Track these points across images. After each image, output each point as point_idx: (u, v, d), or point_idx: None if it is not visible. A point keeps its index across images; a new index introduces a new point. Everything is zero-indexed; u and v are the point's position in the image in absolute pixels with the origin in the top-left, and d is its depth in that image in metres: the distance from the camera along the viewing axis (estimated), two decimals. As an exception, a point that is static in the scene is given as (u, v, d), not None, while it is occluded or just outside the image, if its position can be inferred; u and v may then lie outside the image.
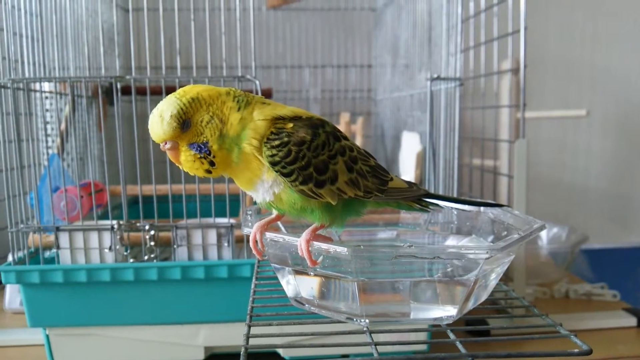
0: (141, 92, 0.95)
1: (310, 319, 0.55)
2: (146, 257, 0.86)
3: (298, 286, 0.56)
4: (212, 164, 0.51)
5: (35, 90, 0.96)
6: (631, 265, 1.68)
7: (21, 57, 0.87)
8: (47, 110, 1.06)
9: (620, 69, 1.68)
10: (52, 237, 0.85)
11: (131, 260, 0.86)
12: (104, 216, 1.02)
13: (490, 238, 0.63)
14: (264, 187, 0.52)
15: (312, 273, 0.54)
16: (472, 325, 0.91)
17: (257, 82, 0.84)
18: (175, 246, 0.86)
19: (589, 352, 0.44)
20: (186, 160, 0.51)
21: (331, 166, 0.52)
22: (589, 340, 0.48)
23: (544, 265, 1.20)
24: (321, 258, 0.52)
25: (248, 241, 0.58)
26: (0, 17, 0.85)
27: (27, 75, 0.88)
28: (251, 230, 0.57)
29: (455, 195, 0.96)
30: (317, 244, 0.51)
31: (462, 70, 0.97)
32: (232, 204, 0.88)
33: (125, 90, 0.93)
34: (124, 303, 0.84)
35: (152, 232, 0.86)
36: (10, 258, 0.85)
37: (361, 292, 0.51)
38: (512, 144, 1.03)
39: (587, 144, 1.70)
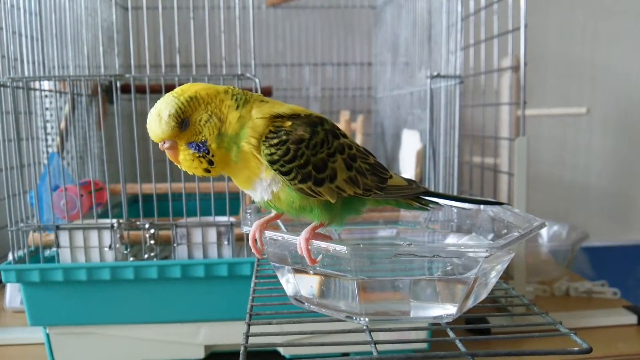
0: (141, 90, 0.95)
1: (309, 317, 0.55)
2: (146, 256, 0.86)
3: (298, 285, 0.56)
4: (210, 162, 0.51)
5: (34, 89, 0.96)
6: (631, 262, 1.68)
7: (20, 56, 0.87)
8: (46, 109, 1.06)
9: (621, 66, 1.68)
10: (52, 236, 0.85)
11: (131, 258, 0.86)
12: (104, 215, 1.02)
13: (490, 236, 0.63)
14: (262, 185, 0.52)
15: (311, 272, 0.54)
16: (472, 323, 0.91)
17: (257, 81, 0.84)
18: (175, 245, 0.86)
19: (588, 351, 0.44)
20: (185, 160, 0.51)
21: (330, 164, 0.51)
22: (589, 338, 0.48)
23: (545, 263, 1.20)
24: (320, 257, 0.52)
25: (248, 240, 0.58)
26: (-1, 16, 0.85)
27: (26, 74, 0.88)
28: (250, 228, 0.57)
29: (455, 193, 0.96)
30: (317, 243, 0.51)
31: (462, 67, 0.97)
32: (232, 202, 0.88)
33: (125, 89, 0.93)
34: (124, 302, 0.84)
35: (152, 231, 0.86)
36: (10, 257, 0.85)
37: (361, 291, 0.51)
38: (513, 141, 1.03)
39: (587, 141, 1.70)
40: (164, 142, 0.51)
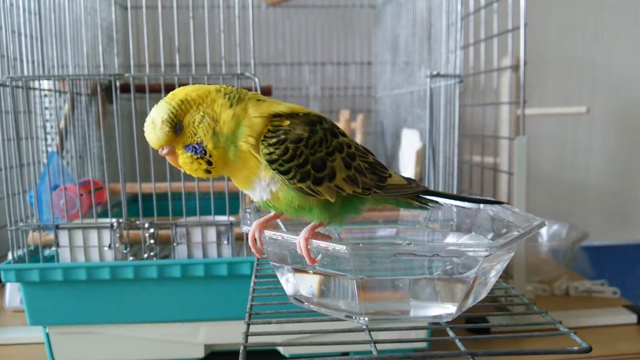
0: (140, 89, 0.95)
1: (309, 316, 0.55)
2: (146, 255, 0.86)
3: (297, 284, 0.56)
4: (209, 163, 0.51)
5: (34, 89, 0.96)
6: (631, 262, 1.68)
7: (20, 55, 0.87)
8: (46, 108, 1.06)
9: (621, 66, 1.68)
10: (51, 235, 0.85)
11: (131, 258, 0.86)
12: (104, 214, 1.02)
13: (490, 235, 0.63)
14: (261, 185, 0.52)
15: (311, 271, 0.54)
16: (471, 322, 0.91)
17: (257, 80, 0.84)
18: (174, 244, 0.86)
19: (588, 350, 0.44)
20: (184, 163, 0.51)
21: (329, 163, 0.51)
22: (589, 338, 0.48)
23: (544, 263, 1.20)
24: (320, 256, 0.52)
25: (247, 239, 0.58)
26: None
27: (26, 73, 0.87)
28: (250, 228, 0.57)
29: (454, 193, 0.95)
30: (316, 242, 0.51)
31: (462, 67, 0.97)
32: (231, 201, 0.88)
33: (125, 88, 0.93)
34: (124, 301, 0.84)
35: (152, 230, 0.86)
36: (10, 256, 0.85)
37: (360, 290, 0.51)
38: (512, 141, 1.03)
39: (587, 141, 1.70)
40: (163, 148, 0.51)
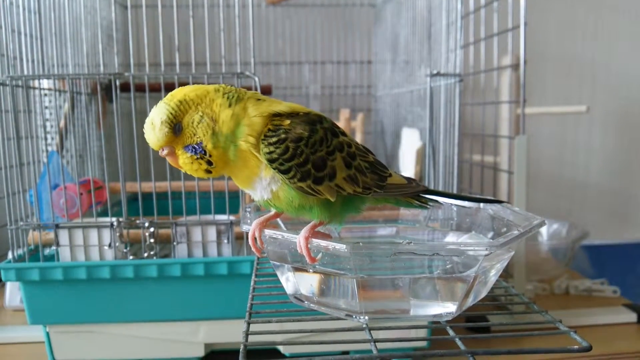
0: (140, 89, 0.95)
1: (309, 315, 0.55)
2: (146, 254, 0.86)
3: (297, 283, 0.56)
4: (209, 163, 0.51)
5: (34, 88, 0.96)
6: (631, 261, 1.68)
7: (20, 55, 0.87)
8: (46, 107, 1.06)
9: (621, 65, 1.68)
10: (51, 235, 0.85)
11: (131, 257, 0.86)
12: (104, 213, 1.02)
13: (490, 234, 0.63)
14: (261, 184, 0.52)
15: (311, 270, 0.54)
16: (472, 321, 0.91)
17: (257, 79, 0.84)
18: (174, 243, 0.86)
19: (588, 349, 0.44)
20: (184, 163, 0.51)
21: (329, 162, 0.51)
22: (589, 337, 0.48)
23: (544, 262, 1.20)
24: (320, 255, 0.52)
25: (247, 238, 0.58)
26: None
27: (25, 72, 0.87)
28: (250, 227, 0.57)
29: (455, 192, 0.95)
30: (316, 241, 0.51)
31: (462, 66, 0.97)
32: (231, 200, 0.88)
33: (124, 87, 0.93)
34: (124, 300, 0.84)
35: (152, 229, 0.86)
36: (10, 255, 0.85)
37: (360, 289, 0.51)
38: (512, 140, 1.03)
39: (587, 140, 1.70)
40: (163, 149, 0.51)
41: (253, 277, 0.65)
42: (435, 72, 0.95)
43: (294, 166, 0.50)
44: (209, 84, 0.61)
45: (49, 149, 0.95)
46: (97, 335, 0.85)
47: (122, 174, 0.85)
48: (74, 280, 0.82)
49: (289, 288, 0.58)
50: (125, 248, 0.87)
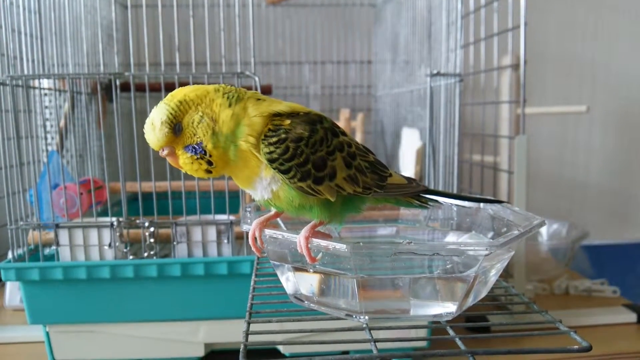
0: (140, 88, 0.95)
1: (309, 315, 0.55)
2: (146, 254, 0.86)
3: (297, 283, 0.56)
4: (210, 163, 0.51)
5: (34, 87, 0.96)
6: (631, 261, 1.68)
7: (20, 54, 0.87)
8: (46, 107, 1.06)
9: (621, 64, 1.68)
10: (51, 234, 0.85)
11: (131, 257, 0.86)
12: (104, 213, 1.02)
13: (490, 234, 0.63)
14: (262, 184, 0.52)
15: (311, 270, 0.54)
16: (472, 321, 0.91)
17: (257, 79, 0.84)
18: (174, 243, 0.86)
19: (588, 349, 0.44)
20: (185, 163, 0.51)
21: (329, 162, 0.51)
22: (589, 337, 0.48)
23: (544, 262, 1.20)
24: (320, 255, 0.52)
25: (247, 238, 0.58)
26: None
27: (26, 72, 0.87)
28: (250, 227, 0.57)
29: (455, 192, 0.95)
30: (317, 241, 0.51)
31: (462, 66, 0.97)
32: (231, 200, 0.88)
33: (125, 87, 0.93)
34: (124, 300, 0.84)
35: (152, 229, 0.86)
36: (10, 255, 0.85)
37: (361, 289, 0.51)
38: (512, 140, 1.03)
39: (587, 140, 1.70)
40: (163, 150, 0.51)
41: (253, 276, 0.65)
42: (435, 72, 0.95)
43: (294, 166, 0.50)
44: (209, 83, 0.61)
45: (49, 148, 0.95)
46: (97, 335, 0.85)
47: (122, 173, 0.85)
48: (74, 280, 0.82)
49: (289, 288, 0.58)
50: (125, 248, 0.87)
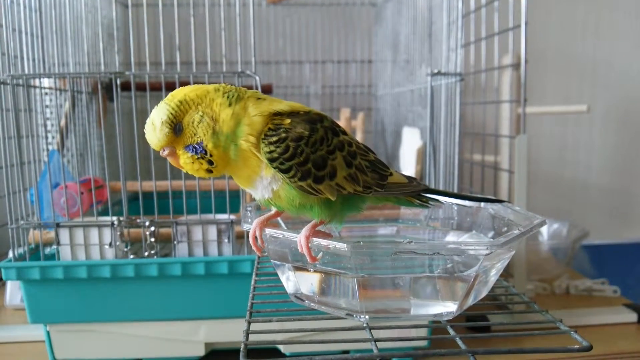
0: (141, 88, 0.95)
1: (310, 315, 0.55)
2: (146, 253, 0.86)
3: (298, 282, 0.56)
4: (210, 163, 0.51)
5: (34, 87, 0.96)
6: (632, 261, 1.68)
7: (20, 53, 0.87)
8: (46, 106, 1.06)
9: (622, 64, 1.68)
10: (52, 234, 0.85)
11: (131, 256, 0.86)
12: (104, 212, 1.02)
13: (491, 234, 0.63)
14: (262, 184, 0.52)
15: (312, 269, 0.54)
16: (472, 321, 0.91)
17: (257, 78, 0.84)
18: (175, 242, 0.86)
19: (589, 348, 0.44)
20: (185, 163, 0.51)
21: (330, 161, 0.51)
22: (589, 336, 0.48)
23: (545, 261, 1.20)
24: (321, 254, 0.52)
25: (248, 237, 0.58)
26: (-1, 13, 0.85)
27: (26, 71, 0.87)
28: (251, 226, 0.57)
29: (455, 191, 0.95)
30: (317, 240, 0.51)
31: (462, 65, 0.97)
32: (232, 200, 0.88)
33: (125, 86, 0.93)
34: (125, 299, 0.84)
35: (153, 228, 0.86)
36: (10, 254, 0.85)
37: (361, 288, 0.51)
38: (513, 139, 1.03)
39: (588, 139, 1.70)
40: (164, 150, 0.51)
41: (254, 276, 0.65)
42: (435, 71, 0.95)
43: (295, 165, 0.50)
44: (209, 83, 0.61)
45: (50, 147, 0.95)
46: (98, 334, 0.85)
47: (123, 173, 0.85)
48: (74, 279, 0.82)
49: (289, 287, 0.58)
50: (126, 247, 0.87)
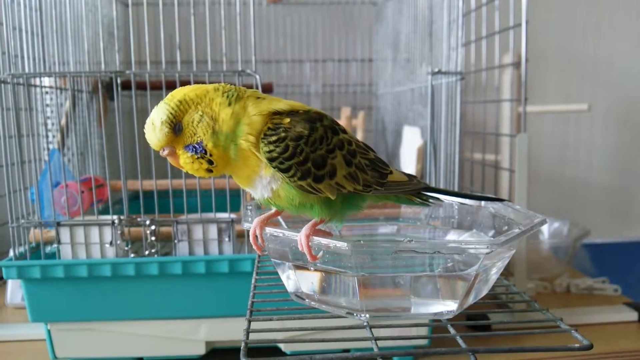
0: (141, 87, 0.95)
1: (310, 313, 0.55)
2: (147, 252, 0.86)
3: (298, 281, 0.56)
4: (210, 162, 0.51)
5: (35, 86, 0.96)
6: (633, 259, 1.68)
7: (21, 52, 0.87)
8: (47, 105, 1.06)
9: (622, 63, 1.68)
10: (53, 232, 0.85)
11: (132, 255, 0.86)
12: (105, 211, 1.02)
13: (491, 233, 0.63)
14: (262, 183, 0.52)
15: (312, 268, 0.54)
16: (472, 320, 0.91)
17: (258, 77, 0.84)
18: (176, 241, 0.86)
19: (589, 347, 0.44)
20: (185, 163, 0.51)
21: (330, 160, 0.51)
22: (590, 335, 0.47)
23: (545, 260, 1.20)
24: (321, 253, 0.52)
25: (248, 236, 0.58)
26: (-1, 12, 0.85)
27: (27, 70, 0.87)
28: (251, 225, 0.57)
29: (456, 190, 0.95)
30: (317, 239, 0.51)
31: (463, 64, 0.97)
32: (232, 198, 0.88)
33: (126, 85, 0.93)
34: (125, 298, 0.84)
35: (153, 227, 0.86)
36: (11, 253, 0.86)
37: (361, 287, 0.51)
38: (514, 138, 1.03)
39: (588, 138, 1.69)
40: (164, 149, 0.51)
41: (254, 275, 0.65)
42: (436, 70, 0.95)
43: (294, 165, 0.50)
44: (210, 81, 0.61)
45: (50, 146, 0.95)
46: (98, 332, 0.85)
47: (123, 171, 0.85)
48: (75, 278, 0.82)
49: (289, 286, 0.58)
50: (127, 246, 0.87)
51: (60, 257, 0.84)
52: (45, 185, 0.88)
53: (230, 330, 0.86)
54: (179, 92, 0.51)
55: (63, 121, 1.05)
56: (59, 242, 0.84)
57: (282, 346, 0.87)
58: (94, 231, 0.84)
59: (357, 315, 0.52)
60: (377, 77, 1.55)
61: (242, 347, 0.46)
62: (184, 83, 0.59)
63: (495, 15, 1.07)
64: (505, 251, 0.52)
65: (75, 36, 1.01)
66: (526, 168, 1.00)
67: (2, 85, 0.83)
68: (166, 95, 0.52)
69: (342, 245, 0.48)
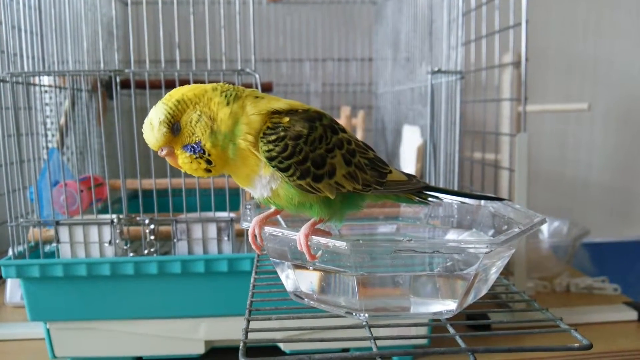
0: (140, 85, 0.95)
1: (309, 313, 0.54)
2: (146, 251, 0.86)
3: (297, 280, 0.56)
4: (209, 162, 0.50)
5: (34, 84, 0.96)
6: (632, 259, 1.68)
7: (20, 51, 0.87)
8: (46, 104, 1.06)
9: (623, 62, 1.67)
10: (52, 231, 0.85)
11: (131, 254, 0.86)
12: (104, 210, 1.02)
13: (491, 232, 0.63)
14: (261, 183, 0.52)
15: (311, 267, 0.54)
16: (472, 319, 0.91)
17: (257, 76, 0.84)
18: (175, 240, 0.86)
19: (589, 347, 0.44)
20: (184, 163, 0.51)
21: (329, 160, 0.51)
22: (590, 334, 0.47)
23: (545, 259, 1.20)
24: (320, 252, 0.52)
25: (247, 235, 0.58)
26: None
27: (26, 69, 0.87)
28: (250, 224, 0.57)
29: (455, 189, 0.95)
30: (316, 239, 0.51)
31: (463, 63, 0.97)
32: (232, 198, 0.88)
33: (125, 84, 0.93)
34: (124, 297, 0.84)
35: (152, 226, 0.86)
36: (10, 252, 0.85)
37: (360, 287, 0.51)
38: (514, 137, 1.03)
39: (588, 137, 1.69)
40: (162, 149, 0.51)
41: (253, 274, 0.65)
42: (436, 69, 0.95)
43: (293, 164, 0.50)
44: (209, 81, 0.61)
45: (50, 145, 0.95)
46: (98, 331, 0.85)
47: (123, 171, 0.85)
48: (74, 277, 0.82)
49: (289, 285, 0.58)
50: (126, 245, 0.87)
51: (59, 256, 0.84)
52: (45, 184, 0.88)
53: (229, 330, 0.86)
54: (177, 92, 0.51)
55: (62, 120, 1.05)
56: (58, 241, 0.84)
57: (281, 345, 0.87)
58: (93, 230, 0.84)
59: (356, 314, 0.52)
60: (376, 77, 1.55)
61: (240, 347, 0.45)
62: (184, 82, 0.58)
63: (495, 15, 1.07)
64: (505, 250, 0.52)
65: (74, 35, 1.01)
66: (526, 167, 0.99)
67: (1, 84, 0.83)
68: (165, 94, 0.52)
69: (341, 244, 0.48)
